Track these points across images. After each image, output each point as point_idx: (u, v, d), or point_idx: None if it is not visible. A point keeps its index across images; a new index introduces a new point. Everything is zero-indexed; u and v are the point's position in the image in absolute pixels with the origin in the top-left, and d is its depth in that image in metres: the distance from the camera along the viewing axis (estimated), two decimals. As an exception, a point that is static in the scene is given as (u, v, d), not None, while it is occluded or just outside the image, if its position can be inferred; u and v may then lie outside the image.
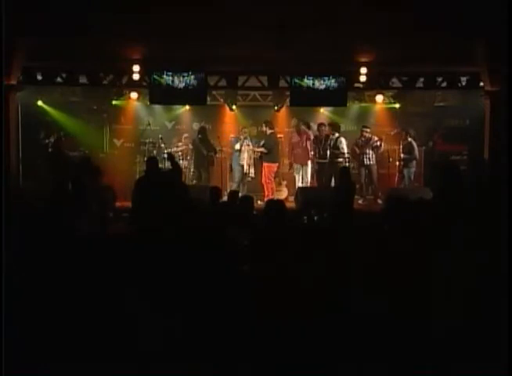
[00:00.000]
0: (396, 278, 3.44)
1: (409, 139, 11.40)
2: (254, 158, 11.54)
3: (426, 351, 3.03)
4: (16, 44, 8.34)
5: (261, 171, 11.56)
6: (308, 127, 11.67)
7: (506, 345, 2.98)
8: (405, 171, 11.41)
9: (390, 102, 12.21)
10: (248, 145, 11.49)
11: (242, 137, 11.58)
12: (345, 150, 11.23)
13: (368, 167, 11.45)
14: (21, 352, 3.08)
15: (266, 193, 11.26)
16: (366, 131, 11.45)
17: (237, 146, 11.51)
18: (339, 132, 11.37)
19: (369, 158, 11.39)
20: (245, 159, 11.42)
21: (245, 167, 11.45)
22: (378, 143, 11.37)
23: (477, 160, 7.99)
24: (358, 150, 11.50)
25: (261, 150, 11.36)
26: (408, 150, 11.37)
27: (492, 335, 3.07)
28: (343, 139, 11.28)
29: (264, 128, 11.59)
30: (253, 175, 11.58)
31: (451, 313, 3.18)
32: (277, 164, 11.55)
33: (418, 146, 11.79)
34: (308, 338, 3.10)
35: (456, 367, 2.98)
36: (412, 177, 11.44)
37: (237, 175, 11.54)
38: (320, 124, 11.64)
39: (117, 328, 3.17)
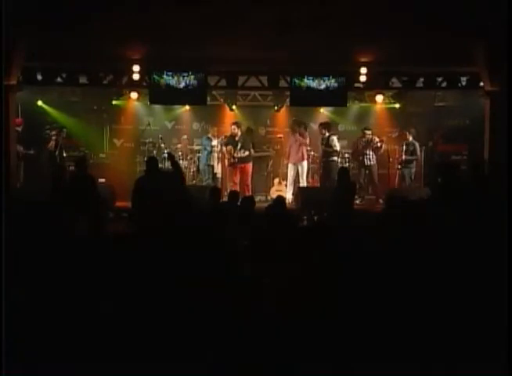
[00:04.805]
0: (395, 277, 3.44)
1: (411, 140, 11.41)
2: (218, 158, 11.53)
3: (426, 351, 3.03)
4: (16, 44, 8.33)
5: (236, 173, 11.34)
6: (299, 126, 11.58)
7: (506, 345, 2.98)
8: (406, 172, 11.44)
9: (390, 102, 12.20)
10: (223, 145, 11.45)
11: (214, 137, 11.55)
12: (337, 148, 11.23)
13: (368, 167, 11.49)
14: (21, 352, 3.08)
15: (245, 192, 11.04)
16: (367, 133, 11.47)
17: (214, 144, 11.43)
18: (329, 131, 11.33)
19: (369, 159, 11.45)
20: (215, 159, 11.43)
21: (215, 167, 11.46)
22: (379, 144, 11.40)
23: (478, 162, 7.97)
24: (359, 151, 11.53)
25: (246, 154, 11.10)
26: (410, 150, 11.38)
27: (492, 335, 3.07)
28: (334, 137, 11.28)
29: (235, 130, 11.26)
30: (219, 176, 11.56)
31: (450, 312, 3.18)
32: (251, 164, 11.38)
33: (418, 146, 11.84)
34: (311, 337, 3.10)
35: (456, 367, 2.98)
36: (412, 177, 11.48)
37: (207, 175, 11.50)
38: (319, 124, 11.66)
39: (116, 328, 3.17)
